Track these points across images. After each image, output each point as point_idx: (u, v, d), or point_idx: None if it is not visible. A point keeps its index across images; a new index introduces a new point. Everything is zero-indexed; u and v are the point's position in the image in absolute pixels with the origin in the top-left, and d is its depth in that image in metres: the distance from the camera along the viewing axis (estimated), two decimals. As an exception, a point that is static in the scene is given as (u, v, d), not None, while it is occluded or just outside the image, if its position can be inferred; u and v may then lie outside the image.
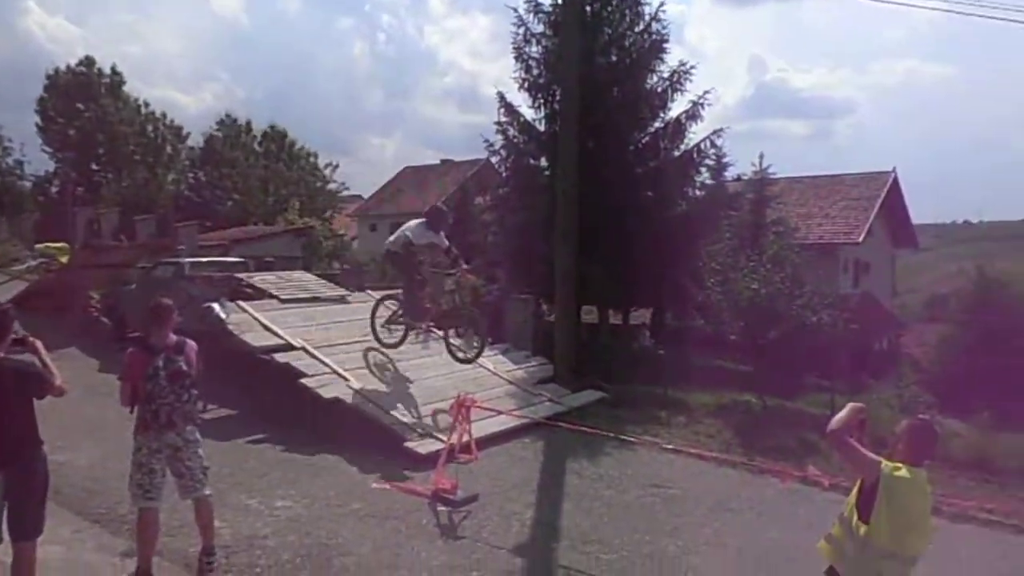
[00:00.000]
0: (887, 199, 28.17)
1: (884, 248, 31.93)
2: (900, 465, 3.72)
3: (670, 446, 9.19)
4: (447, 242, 10.23)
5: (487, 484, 7.93)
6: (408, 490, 7.64)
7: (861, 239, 25.60)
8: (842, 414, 4.02)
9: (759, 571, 6.42)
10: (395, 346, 10.55)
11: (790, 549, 6.75)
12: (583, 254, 12.91)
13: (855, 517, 3.78)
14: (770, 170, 22.56)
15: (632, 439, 8.78)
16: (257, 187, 42.74)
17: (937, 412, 15.56)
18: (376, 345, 11.22)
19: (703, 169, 17.05)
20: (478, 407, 7.77)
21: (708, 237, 13.98)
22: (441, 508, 7.24)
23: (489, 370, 11.57)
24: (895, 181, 28.93)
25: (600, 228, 14.17)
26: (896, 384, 14.37)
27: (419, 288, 10.15)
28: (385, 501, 7.37)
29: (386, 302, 11.11)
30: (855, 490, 3.87)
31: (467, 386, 9.71)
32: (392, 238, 10.33)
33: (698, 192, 17.02)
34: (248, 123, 47.29)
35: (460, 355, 10.40)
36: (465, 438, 7.63)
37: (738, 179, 23.26)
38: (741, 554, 6.76)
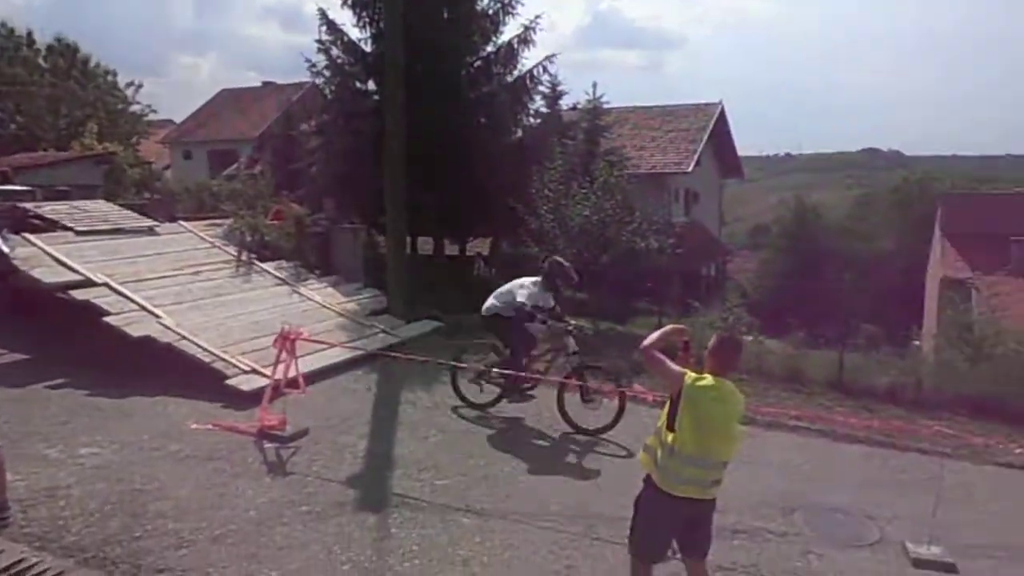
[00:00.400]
0: (715, 131, 29.86)
1: (712, 178, 34.01)
2: (705, 376, 4.11)
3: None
4: (552, 301, 8.55)
5: (318, 418, 7.89)
6: (231, 428, 7.45)
7: (691, 169, 27.08)
8: (656, 333, 4.44)
9: (590, 484, 6.86)
10: (486, 407, 8.59)
11: (619, 463, 7.29)
12: (415, 182, 12.82)
13: (665, 427, 4.15)
14: (603, 99, 23.26)
15: (467, 367, 8.98)
16: (45, 108, 38.55)
17: (758, 333, 17.09)
18: (195, 280, 10.70)
19: (537, 96, 17.42)
20: (304, 339, 7.65)
21: (542, 165, 14.30)
22: (268, 445, 7.15)
23: (318, 303, 11.38)
24: (722, 113, 30.69)
25: (433, 155, 14.10)
26: (722, 307, 15.48)
27: (526, 355, 8.54)
28: (207, 442, 7.16)
29: (473, 353, 9.30)
30: (668, 402, 4.23)
31: (295, 320, 9.47)
32: (495, 302, 8.48)
33: (533, 120, 17.33)
34: (29, 34, 42.15)
35: (587, 425, 8.12)
36: (292, 372, 7.50)
37: (573, 108, 23.85)
38: (576, 472, 7.20)
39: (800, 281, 36.60)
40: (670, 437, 4.10)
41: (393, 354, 9.25)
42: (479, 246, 19.49)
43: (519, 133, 16.61)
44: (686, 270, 24.42)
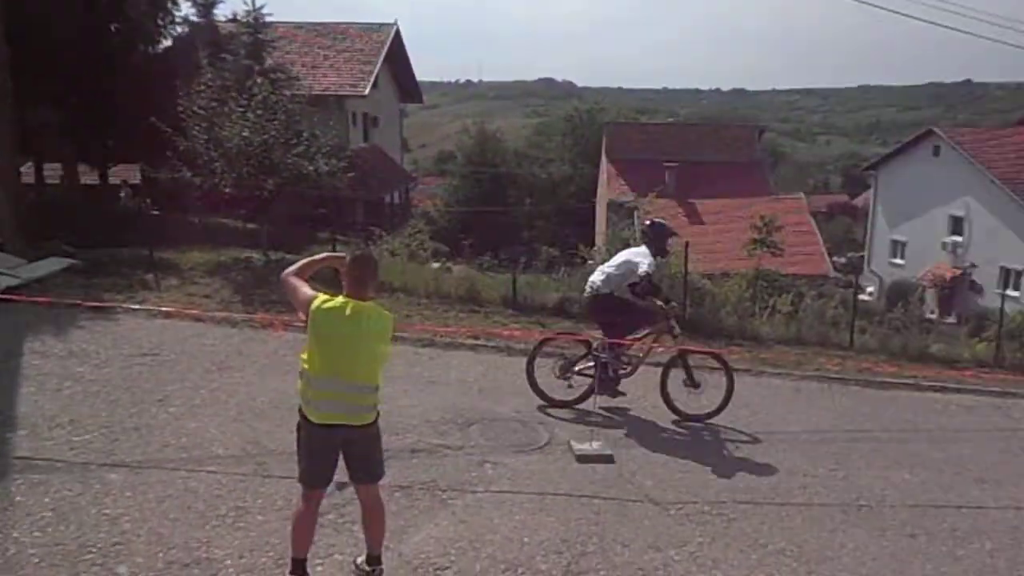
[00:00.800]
0: (391, 53, 29.89)
1: (392, 103, 34.19)
2: (334, 297, 4.13)
3: (162, 309, 8.88)
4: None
5: (-95, 384, 6.76)
6: None
7: (367, 92, 26.93)
8: (302, 261, 4.45)
9: (258, 419, 6.72)
10: (575, 403, 7.74)
11: (291, 395, 7.18)
12: (29, 96, 11.26)
13: (305, 353, 4.16)
14: (264, 10, 22.22)
15: (104, 305, 8.25)
16: None
17: (445, 258, 17.82)
18: None
19: (184, 2, 16.16)
20: None
21: (193, 79, 13.27)
22: None
23: (-98, 243, 9.66)
24: (398, 35, 30.74)
25: (52, 65, 12.44)
26: (405, 234, 15.81)
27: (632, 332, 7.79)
28: None
29: (555, 344, 8.32)
30: None
31: None
32: (602, 279, 7.59)
33: (180, 29, 16.08)
34: None
35: (693, 411, 7.73)
36: None
37: (232, 20, 22.48)
38: (241, 408, 7.00)
39: (484, 207, 38.67)
40: (306, 364, 4.12)
41: (12, 298, 8.14)
42: (127, 173, 17.76)
43: (165, 43, 15.26)
44: (368, 197, 24.56)
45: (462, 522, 5.34)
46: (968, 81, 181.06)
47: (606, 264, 7.90)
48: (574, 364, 7.84)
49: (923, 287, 29.13)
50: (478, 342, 9.96)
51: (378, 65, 27.95)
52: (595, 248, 18.07)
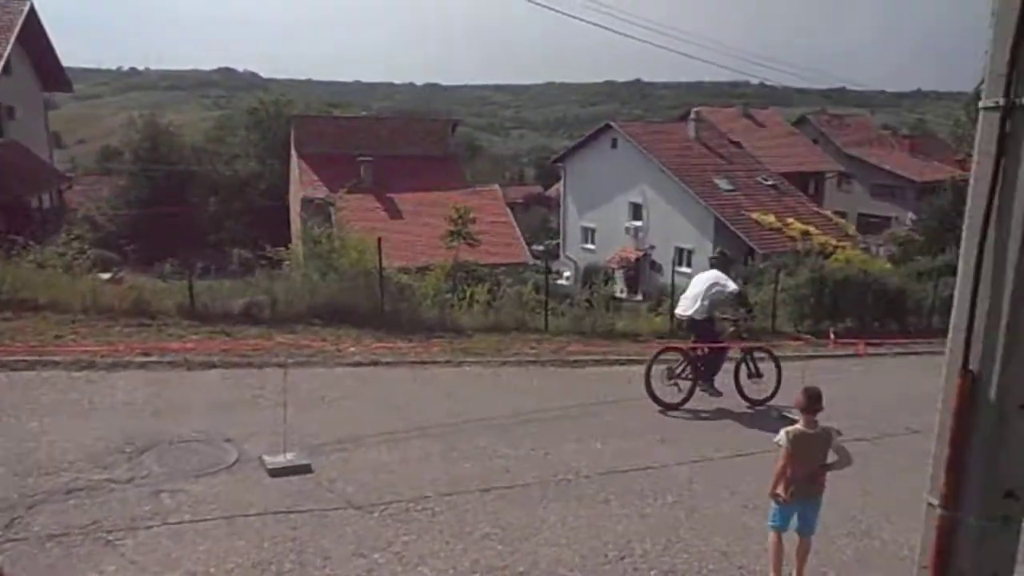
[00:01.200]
0: (25, 33, 26.71)
1: (32, 91, 30.59)
2: None
3: None
4: None
5: None
6: None
7: (-4, 77, 23.87)
8: None
9: None
10: (682, 404, 9.16)
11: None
12: None
13: None
14: None
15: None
16: None
17: (118, 268, 16.26)
18: None
19: None
20: None
21: None
22: None
23: None
24: (33, 12, 27.55)
25: None
26: (57, 243, 14.09)
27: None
28: None
29: (667, 354, 9.49)
30: None
31: None
32: (703, 303, 9.08)
33: None
34: None
35: (756, 397, 9.53)
36: None
37: None
38: None
39: (161, 208, 35.99)
40: None
41: None
42: None
43: None
44: (6, 200, 21.83)
45: (133, 563, 4.85)
46: (639, 80, 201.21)
47: (691, 293, 9.28)
48: (676, 370, 9.23)
49: (612, 269, 32.14)
50: (150, 359, 9.20)
51: (8, 46, 24.82)
52: (290, 248, 17.57)
